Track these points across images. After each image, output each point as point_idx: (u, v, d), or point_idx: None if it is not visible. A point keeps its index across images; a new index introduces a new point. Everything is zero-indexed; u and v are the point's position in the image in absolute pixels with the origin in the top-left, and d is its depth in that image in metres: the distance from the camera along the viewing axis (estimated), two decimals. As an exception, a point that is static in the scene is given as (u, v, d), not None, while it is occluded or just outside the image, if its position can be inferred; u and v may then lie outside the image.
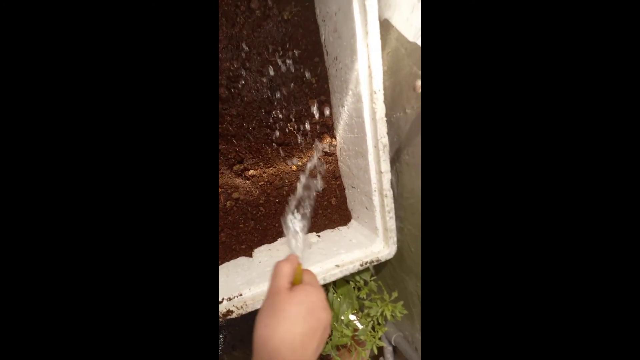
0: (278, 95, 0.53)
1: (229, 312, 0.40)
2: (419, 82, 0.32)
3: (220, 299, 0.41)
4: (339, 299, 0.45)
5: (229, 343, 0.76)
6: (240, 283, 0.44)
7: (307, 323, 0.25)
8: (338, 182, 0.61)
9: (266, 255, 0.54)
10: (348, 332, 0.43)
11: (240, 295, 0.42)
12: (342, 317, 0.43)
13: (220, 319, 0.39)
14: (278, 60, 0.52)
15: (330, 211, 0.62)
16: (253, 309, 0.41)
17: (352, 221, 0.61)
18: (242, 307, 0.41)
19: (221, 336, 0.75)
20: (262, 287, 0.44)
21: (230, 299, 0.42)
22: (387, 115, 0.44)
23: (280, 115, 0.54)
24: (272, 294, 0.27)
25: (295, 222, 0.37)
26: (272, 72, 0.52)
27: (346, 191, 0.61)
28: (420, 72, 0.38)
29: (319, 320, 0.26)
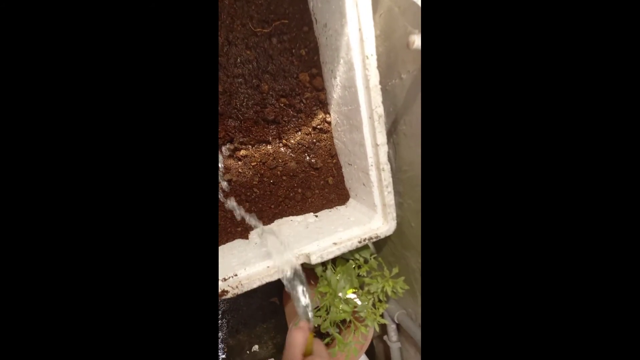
0: (266, 69, 0.50)
1: (224, 292, 0.39)
2: (412, 37, 0.29)
3: (214, 280, 0.40)
4: (337, 277, 0.44)
5: (233, 327, 0.77)
6: (236, 264, 0.43)
7: None
8: (335, 161, 0.59)
9: (263, 236, 0.53)
10: (347, 308, 0.42)
11: (236, 275, 0.41)
12: (340, 294, 0.42)
13: (215, 300, 0.39)
14: (264, 31, 0.49)
15: (328, 191, 0.60)
16: (249, 289, 0.41)
17: (351, 200, 0.60)
18: (237, 287, 0.40)
19: (224, 320, 0.76)
20: (258, 267, 0.43)
21: (225, 279, 0.41)
22: (381, 83, 0.41)
23: (269, 91, 0.52)
24: None
25: (299, 284, 0.37)
26: (258, 45, 0.49)
27: (343, 169, 0.59)
28: (416, 30, 0.35)
29: None
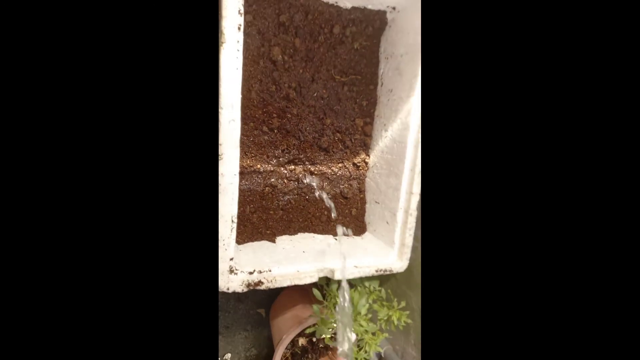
0: (333, 108, 0.61)
1: (260, 282, 0.44)
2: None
3: (251, 270, 0.45)
4: (358, 294, 0.49)
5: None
6: (269, 261, 0.48)
7: None
8: (362, 196, 0.67)
9: (288, 244, 0.58)
10: (365, 325, 0.46)
11: (270, 270, 0.46)
12: (361, 311, 0.47)
13: (251, 287, 0.43)
14: (341, 79, 0.60)
15: (349, 220, 0.67)
16: (280, 286, 0.45)
17: (367, 233, 0.67)
18: (271, 281, 0.44)
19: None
20: (290, 269, 0.48)
21: (260, 272, 0.45)
22: (427, 146, 0.52)
23: (330, 125, 0.61)
24: None
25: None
26: (333, 88, 0.60)
27: (367, 205, 0.67)
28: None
29: None
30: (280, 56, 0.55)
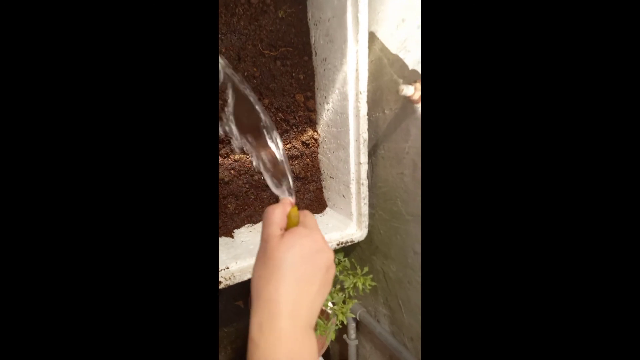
0: (268, 86, 0.57)
1: (218, 282, 0.42)
2: (402, 87, 0.39)
3: (208, 272, 0.43)
4: None
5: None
6: (226, 258, 0.47)
7: (300, 269, 0.24)
8: (317, 173, 0.67)
9: (247, 235, 0.57)
10: (329, 297, 0.48)
11: (227, 268, 0.45)
12: None
13: (209, 289, 0.41)
14: (271, 54, 0.56)
15: (308, 199, 0.67)
16: (240, 280, 0.44)
17: (327, 209, 0.67)
18: (230, 279, 0.43)
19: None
20: (249, 262, 0.47)
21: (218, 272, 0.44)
22: (367, 114, 0.51)
23: (269, 105, 0.58)
24: (262, 241, 0.26)
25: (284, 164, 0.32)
26: (264, 64, 0.55)
27: (323, 182, 0.67)
28: (401, 80, 0.46)
29: (315, 264, 0.25)
30: (196, 36, 0.49)
